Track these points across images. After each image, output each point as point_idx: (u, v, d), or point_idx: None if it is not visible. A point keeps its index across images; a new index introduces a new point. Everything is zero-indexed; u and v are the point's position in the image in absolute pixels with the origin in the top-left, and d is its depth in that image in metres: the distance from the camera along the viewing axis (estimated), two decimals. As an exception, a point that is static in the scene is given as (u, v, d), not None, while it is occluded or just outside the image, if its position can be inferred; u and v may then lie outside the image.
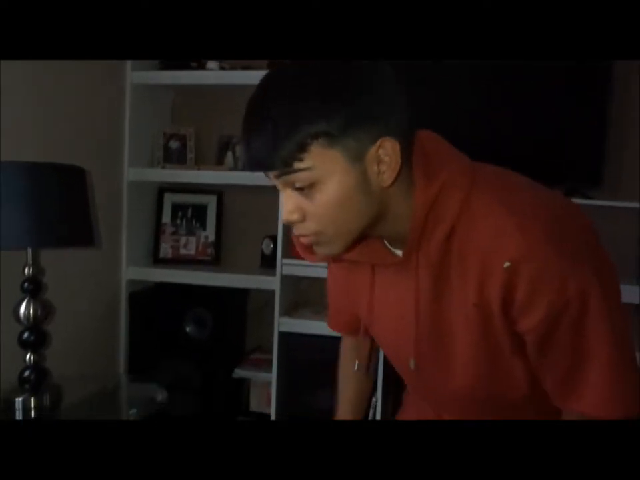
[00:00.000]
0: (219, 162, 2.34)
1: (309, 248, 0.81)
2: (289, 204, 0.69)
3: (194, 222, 2.39)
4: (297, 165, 0.64)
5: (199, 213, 2.40)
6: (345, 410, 1.01)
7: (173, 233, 2.39)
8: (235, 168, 2.29)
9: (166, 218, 2.40)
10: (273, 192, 2.15)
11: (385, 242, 0.76)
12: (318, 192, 0.66)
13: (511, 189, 0.70)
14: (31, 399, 1.45)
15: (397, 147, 0.66)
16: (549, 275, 0.63)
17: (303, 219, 0.69)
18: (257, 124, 0.65)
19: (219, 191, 2.39)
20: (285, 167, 0.65)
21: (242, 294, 2.29)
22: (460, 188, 0.68)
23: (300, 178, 0.65)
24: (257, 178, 2.17)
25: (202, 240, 2.39)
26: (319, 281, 2.19)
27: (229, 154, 2.35)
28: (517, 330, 0.69)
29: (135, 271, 2.25)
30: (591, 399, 0.66)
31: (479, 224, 0.67)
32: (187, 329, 2.23)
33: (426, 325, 0.75)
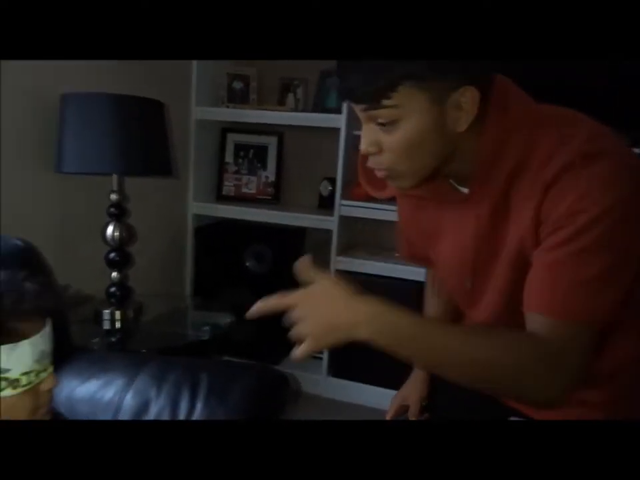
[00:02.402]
0: (281, 103, 2.39)
1: (379, 184, 0.87)
2: (369, 136, 0.75)
3: (255, 162, 2.48)
4: (385, 102, 0.70)
5: (260, 153, 2.47)
6: None
7: (235, 172, 2.48)
8: (296, 109, 2.33)
9: (229, 157, 2.49)
10: (332, 134, 2.22)
11: (451, 180, 0.83)
12: (398, 129, 0.72)
13: (575, 127, 0.74)
14: (116, 312, 1.61)
15: (477, 96, 0.71)
16: (596, 205, 0.67)
17: (380, 152, 0.75)
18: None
19: (279, 132, 2.45)
20: (374, 101, 0.71)
21: (299, 233, 2.38)
22: (527, 127, 0.73)
23: (384, 114, 0.71)
24: (317, 119, 2.24)
25: (262, 179, 2.47)
26: (375, 223, 2.26)
27: (290, 95, 2.39)
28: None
29: (199, 207, 2.36)
30: (535, 296, 0.71)
31: (542, 160, 0.72)
32: (247, 263, 2.35)
33: (482, 251, 0.83)
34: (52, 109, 1.52)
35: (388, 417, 1.11)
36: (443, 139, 0.73)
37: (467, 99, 0.71)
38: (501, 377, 0.70)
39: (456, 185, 0.83)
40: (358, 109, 0.74)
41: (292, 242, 2.39)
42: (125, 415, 1.07)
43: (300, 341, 0.70)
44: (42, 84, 1.55)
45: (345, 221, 2.22)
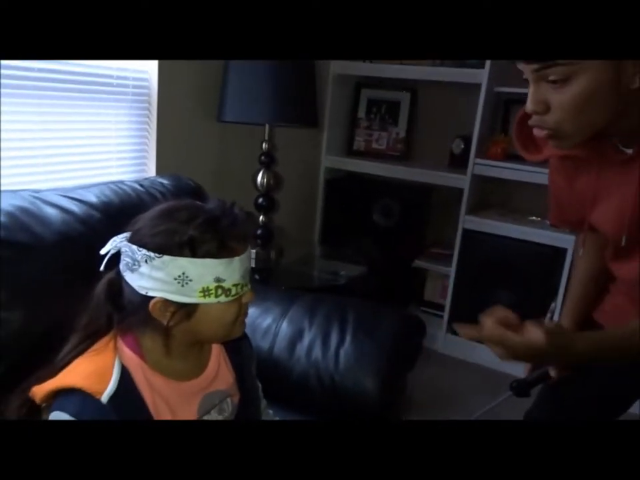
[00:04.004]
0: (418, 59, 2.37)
1: (534, 147, 0.87)
2: (537, 95, 0.74)
3: (387, 117, 2.50)
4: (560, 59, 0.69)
5: (393, 109, 2.49)
6: (572, 291, 1.11)
7: (367, 127, 2.53)
8: (434, 64, 2.30)
9: (361, 113, 2.53)
10: (469, 91, 2.17)
11: (614, 140, 0.81)
12: (570, 85, 0.71)
13: None
14: (261, 252, 1.75)
15: None
16: None
17: (546, 112, 0.75)
18: None
19: (413, 88, 2.44)
20: (548, 59, 0.70)
21: (427, 190, 2.39)
22: None
23: (558, 71, 0.70)
24: (458, 74, 2.19)
25: (393, 135, 2.49)
26: (507, 184, 2.21)
27: (428, 51, 2.36)
28: None
29: (331, 160, 2.45)
30: None
31: None
32: (374, 217, 2.42)
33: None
34: (218, 64, 1.65)
35: (528, 369, 1.10)
36: (615, 96, 0.72)
37: None
38: None
39: (619, 145, 0.82)
40: (528, 68, 0.74)
41: (419, 198, 2.41)
42: (282, 341, 1.20)
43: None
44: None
45: (477, 180, 2.20)
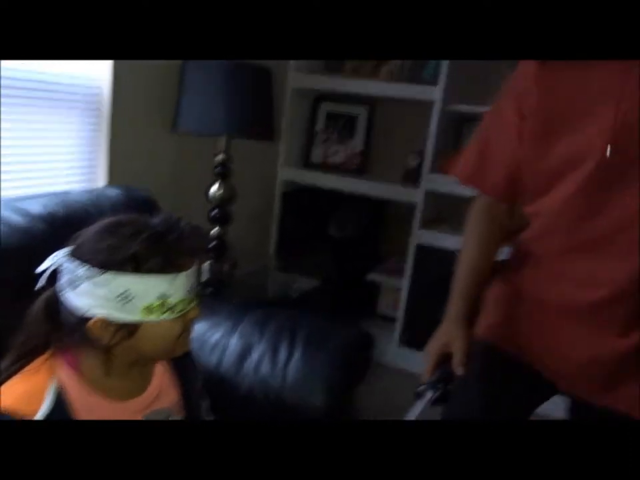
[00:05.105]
0: (375, 74, 2.41)
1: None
2: None
3: (345, 131, 2.53)
4: None
5: (351, 123, 2.52)
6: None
7: (325, 141, 2.55)
8: (390, 80, 2.35)
9: (319, 125, 2.55)
10: (422, 107, 2.22)
11: None
12: None
13: None
14: (215, 264, 1.74)
15: None
16: None
17: None
18: None
19: (371, 103, 2.48)
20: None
21: (383, 204, 2.43)
22: None
23: None
24: (412, 91, 2.24)
25: (350, 149, 2.53)
26: (460, 199, 2.27)
27: (385, 67, 2.41)
28: None
29: (288, 173, 2.46)
30: None
31: None
32: (330, 230, 2.44)
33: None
34: (173, 73, 1.64)
35: (429, 371, 0.96)
36: None
37: None
38: None
39: None
40: None
41: (375, 212, 2.45)
42: (230, 356, 1.19)
43: None
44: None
45: (430, 195, 2.25)
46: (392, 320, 2.44)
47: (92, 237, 0.71)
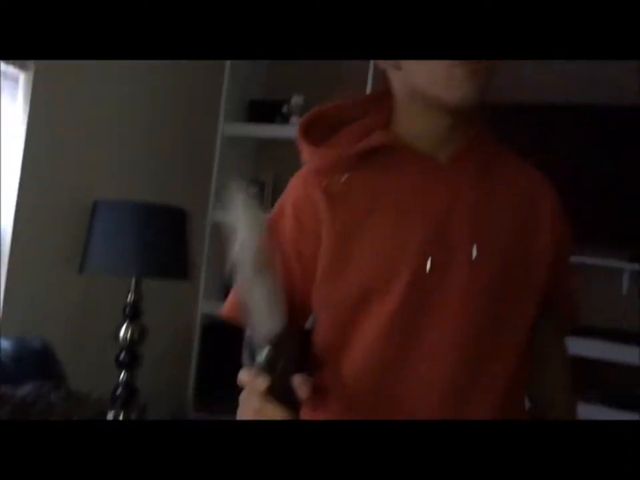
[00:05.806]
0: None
1: None
2: None
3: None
4: None
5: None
6: None
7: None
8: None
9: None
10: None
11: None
12: None
13: None
14: (120, 414, 1.59)
15: None
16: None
17: None
18: None
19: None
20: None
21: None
22: None
23: None
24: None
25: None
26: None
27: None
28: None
29: (208, 306, 2.40)
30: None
31: None
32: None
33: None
34: (82, 214, 1.62)
35: None
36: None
37: None
38: None
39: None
40: None
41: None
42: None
43: None
44: (75, 186, 1.66)
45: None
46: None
47: None
